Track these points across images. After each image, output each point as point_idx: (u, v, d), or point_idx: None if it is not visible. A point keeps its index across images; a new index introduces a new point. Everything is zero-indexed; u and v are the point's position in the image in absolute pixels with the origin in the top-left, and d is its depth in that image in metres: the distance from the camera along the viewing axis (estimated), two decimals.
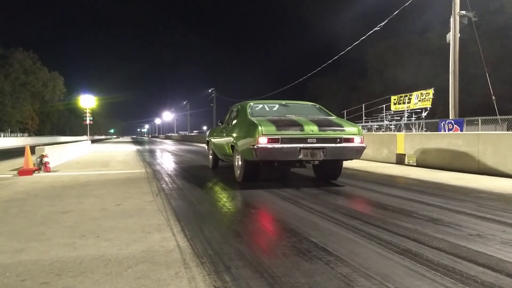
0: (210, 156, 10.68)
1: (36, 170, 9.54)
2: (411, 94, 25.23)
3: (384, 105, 27.66)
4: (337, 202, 5.60)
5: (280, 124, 6.55)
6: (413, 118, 24.99)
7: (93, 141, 34.68)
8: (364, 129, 26.89)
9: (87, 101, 35.55)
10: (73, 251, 3.36)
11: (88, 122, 36.97)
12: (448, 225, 4.16)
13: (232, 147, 7.70)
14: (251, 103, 8.09)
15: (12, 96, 57.70)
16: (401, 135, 12.01)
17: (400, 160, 11.58)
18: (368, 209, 5.16)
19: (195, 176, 9.29)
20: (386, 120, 27.39)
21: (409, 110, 25.49)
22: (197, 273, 2.81)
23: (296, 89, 40.51)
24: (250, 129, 6.67)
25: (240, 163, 7.33)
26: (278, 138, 6.29)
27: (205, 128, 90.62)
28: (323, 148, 6.43)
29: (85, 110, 36.26)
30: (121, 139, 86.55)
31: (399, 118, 26.62)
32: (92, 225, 4.26)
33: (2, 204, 5.61)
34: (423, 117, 24.05)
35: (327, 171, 7.66)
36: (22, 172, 9.19)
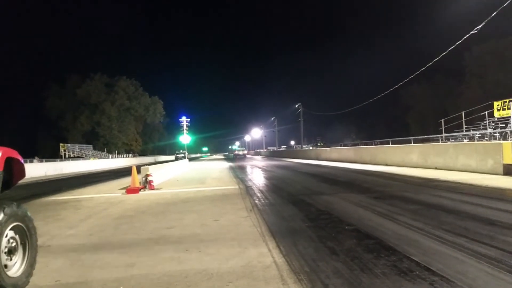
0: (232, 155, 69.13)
1: (142, 188, 10.39)
2: None
3: (486, 112, 25.41)
4: (439, 218, 5.28)
5: (237, 149, 67.47)
6: None
7: (190, 159, 36.75)
8: (465, 138, 25.04)
9: (184, 122, 38.20)
10: (178, 265, 3.61)
11: (186, 141, 39.46)
12: None
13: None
14: (233, 146, 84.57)
15: (118, 120, 63.67)
16: (507, 143, 10.95)
17: (508, 171, 10.55)
18: (474, 225, 4.78)
19: (286, 191, 9.37)
20: (489, 127, 25.11)
21: None
22: None
23: (387, 98, 38.81)
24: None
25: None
26: (236, 151, 64.96)
27: (292, 142, 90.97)
28: (242, 153, 61.45)
29: (182, 130, 38.92)
30: (214, 156, 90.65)
31: (504, 125, 24.24)
32: (194, 240, 4.53)
33: (114, 221, 6.19)
34: None
35: (243, 159, 49.92)
36: (130, 190, 10.06)
